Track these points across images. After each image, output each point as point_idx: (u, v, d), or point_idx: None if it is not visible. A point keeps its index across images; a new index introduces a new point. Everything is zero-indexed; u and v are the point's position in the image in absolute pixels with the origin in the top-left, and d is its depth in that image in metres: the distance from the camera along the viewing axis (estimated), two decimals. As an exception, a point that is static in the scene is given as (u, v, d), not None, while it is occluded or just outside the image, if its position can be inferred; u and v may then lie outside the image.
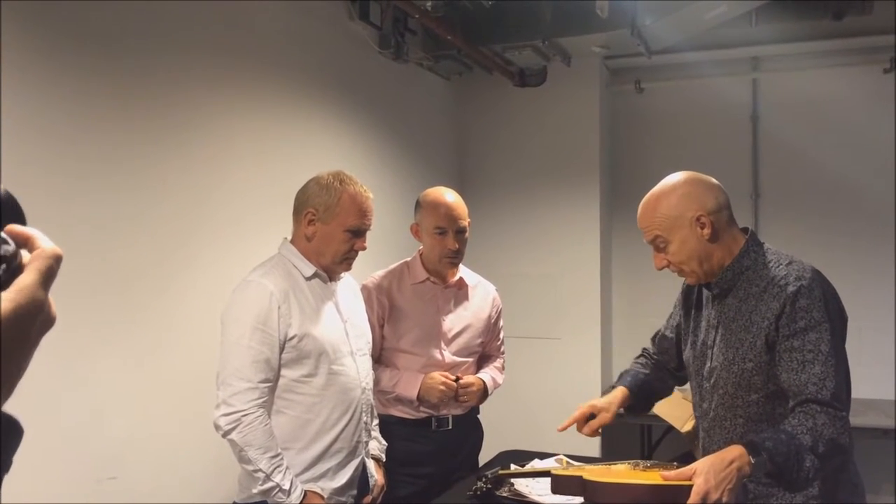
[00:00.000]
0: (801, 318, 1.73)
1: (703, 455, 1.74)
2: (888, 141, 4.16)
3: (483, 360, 2.79)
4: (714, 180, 1.91)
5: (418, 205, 2.63)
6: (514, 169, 4.68)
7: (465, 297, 2.71)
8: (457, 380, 2.58)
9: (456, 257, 2.59)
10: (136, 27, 2.40)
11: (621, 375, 2.24)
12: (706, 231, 1.82)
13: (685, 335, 2.10)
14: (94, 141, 2.26)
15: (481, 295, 2.76)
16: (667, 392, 2.25)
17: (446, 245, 2.55)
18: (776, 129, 4.46)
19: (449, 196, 2.59)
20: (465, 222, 2.58)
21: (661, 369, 2.24)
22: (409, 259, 2.71)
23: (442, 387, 2.53)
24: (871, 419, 3.65)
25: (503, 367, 2.84)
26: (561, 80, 4.44)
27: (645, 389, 2.18)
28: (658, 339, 2.26)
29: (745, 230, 1.92)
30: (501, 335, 2.85)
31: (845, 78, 4.28)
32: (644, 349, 2.32)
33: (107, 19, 2.30)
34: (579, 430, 2.06)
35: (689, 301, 2.10)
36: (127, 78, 2.38)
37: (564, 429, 2.06)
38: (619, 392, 2.13)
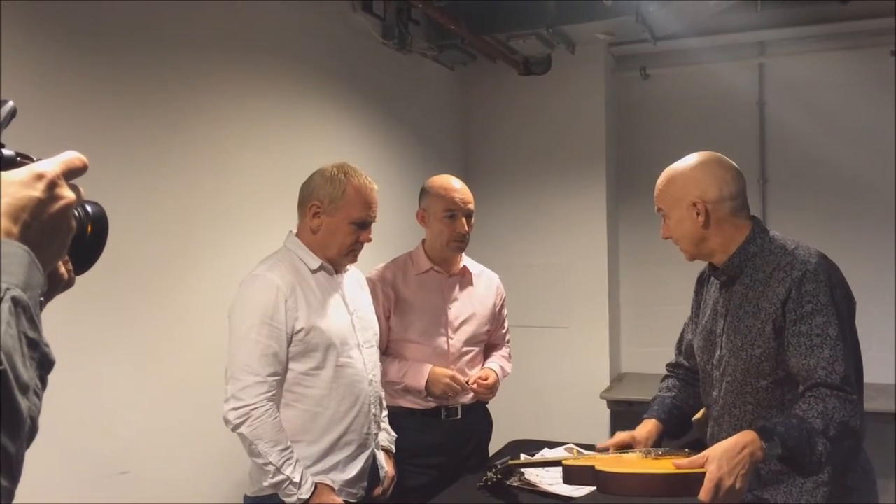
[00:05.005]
0: (807, 303, 1.72)
1: (712, 443, 1.73)
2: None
3: (489, 349, 2.80)
4: (733, 167, 1.90)
5: (424, 191, 2.64)
6: (519, 158, 4.65)
7: (470, 284, 2.71)
8: (468, 381, 2.58)
9: (464, 241, 2.60)
10: (138, 21, 2.40)
11: (651, 404, 2.18)
12: (700, 218, 1.85)
13: (694, 325, 2.09)
14: (96, 136, 2.25)
15: (485, 283, 2.77)
16: (698, 406, 2.16)
17: (456, 229, 2.56)
18: (783, 114, 4.42)
19: (456, 181, 2.64)
20: (473, 206, 2.62)
21: (689, 385, 2.18)
22: (411, 250, 2.72)
23: (447, 380, 2.53)
24: (881, 404, 3.64)
25: (510, 356, 2.84)
26: (566, 67, 4.42)
27: (675, 415, 2.14)
28: (684, 346, 2.22)
29: (751, 218, 1.92)
30: (506, 324, 2.86)
31: (852, 61, 4.24)
32: (668, 366, 2.27)
33: (108, 14, 2.29)
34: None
35: (699, 292, 2.09)
36: (129, 71, 2.37)
37: (605, 448, 2.08)
38: (652, 425, 2.09)
